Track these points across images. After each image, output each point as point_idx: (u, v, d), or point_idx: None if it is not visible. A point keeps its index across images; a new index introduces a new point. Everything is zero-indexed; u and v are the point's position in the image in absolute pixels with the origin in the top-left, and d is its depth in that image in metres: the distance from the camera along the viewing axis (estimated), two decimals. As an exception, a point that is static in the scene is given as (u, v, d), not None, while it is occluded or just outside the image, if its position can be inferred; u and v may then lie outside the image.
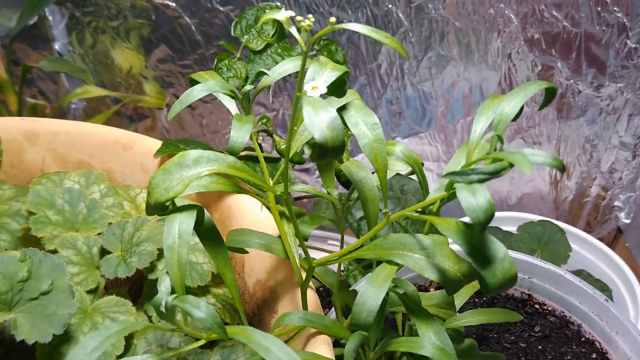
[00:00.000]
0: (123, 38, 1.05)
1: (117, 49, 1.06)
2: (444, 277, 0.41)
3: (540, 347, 0.69)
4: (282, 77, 0.77)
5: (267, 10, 0.76)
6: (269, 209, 0.52)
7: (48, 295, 0.48)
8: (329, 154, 0.35)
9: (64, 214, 0.59)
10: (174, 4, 1.00)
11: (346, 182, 0.72)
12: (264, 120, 0.75)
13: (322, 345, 0.49)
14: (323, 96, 0.39)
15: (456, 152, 0.47)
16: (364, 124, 0.44)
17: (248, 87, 0.47)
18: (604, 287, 0.84)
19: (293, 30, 0.40)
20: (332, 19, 0.37)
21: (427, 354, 0.44)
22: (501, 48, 1.01)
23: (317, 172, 1.16)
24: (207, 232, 0.43)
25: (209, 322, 0.35)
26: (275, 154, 0.79)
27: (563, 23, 0.98)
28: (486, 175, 0.36)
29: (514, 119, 0.43)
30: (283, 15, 0.38)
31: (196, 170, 0.40)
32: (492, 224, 0.46)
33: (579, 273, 0.89)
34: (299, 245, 0.49)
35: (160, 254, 0.57)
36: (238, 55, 0.76)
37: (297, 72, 0.48)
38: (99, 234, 0.59)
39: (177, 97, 1.09)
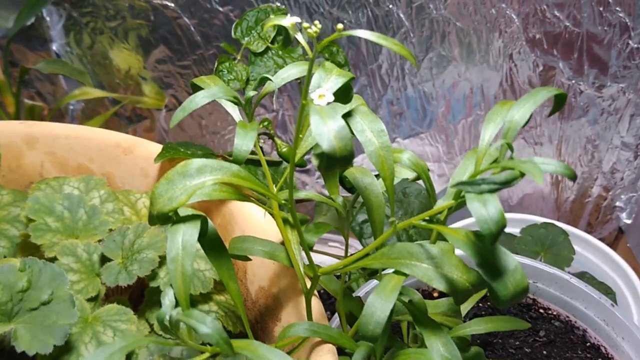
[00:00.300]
0: (121, 39, 1.04)
1: (116, 50, 1.05)
2: (453, 287, 0.41)
3: (545, 352, 0.68)
4: (278, 75, 0.77)
5: (268, 12, 0.75)
6: (272, 215, 0.51)
7: (48, 305, 0.47)
8: (337, 164, 0.35)
9: (63, 220, 0.58)
10: (172, 5, 0.99)
11: (350, 187, 0.72)
12: (265, 123, 0.74)
13: (327, 355, 0.48)
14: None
15: (463, 158, 0.47)
16: (370, 130, 0.43)
17: (251, 93, 0.46)
18: (607, 290, 0.84)
19: (296, 35, 0.39)
20: (340, 26, 0.37)
21: (435, 366, 0.43)
22: (502, 48, 1.00)
23: (317, 173, 1.15)
24: (211, 242, 0.42)
25: (215, 338, 0.34)
26: (274, 155, 0.78)
27: (565, 23, 0.97)
28: (497, 185, 0.36)
29: (523, 125, 0.42)
30: (289, 21, 0.37)
31: (200, 179, 0.39)
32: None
33: (581, 275, 0.88)
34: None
35: (162, 261, 0.56)
36: (239, 58, 0.75)
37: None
38: (99, 240, 0.58)
39: (176, 98, 1.10)
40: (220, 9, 0.99)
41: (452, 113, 1.09)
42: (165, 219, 0.38)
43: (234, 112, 0.48)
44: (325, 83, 0.42)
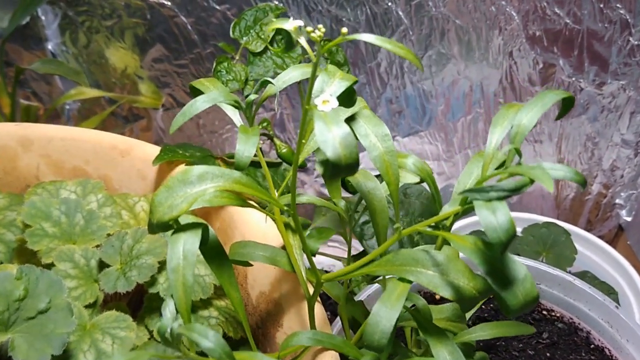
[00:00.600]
0: (117, 37, 1.03)
1: (112, 49, 1.04)
2: (459, 295, 0.40)
3: (548, 354, 0.67)
4: (276, 74, 0.75)
5: (266, 11, 0.74)
6: (273, 219, 0.50)
7: (46, 314, 0.46)
8: (342, 172, 0.34)
9: (60, 225, 0.57)
10: (169, 3, 0.98)
11: (353, 190, 0.71)
12: (265, 124, 0.73)
13: (330, 363, 0.48)
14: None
15: (468, 162, 0.46)
16: (374, 135, 0.42)
17: (252, 96, 0.45)
18: (610, 290, 0.83)
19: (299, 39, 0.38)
20: (344, 30, 0.36)
21: (442, 375, 0.42)
22: (502, 46, 1.00)
23: (316, 172, 1.14)
24: (212, 250, 0.41)
25: (218, 353, 0.33)
26: (272, 154, 0.77)
27: (565, 20, 0.96)
28: (506, 192, 0.35)
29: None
30: (292, 24, 0.36)
31: (200, 187, 0.38)
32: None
33: (583, 275, 0.88)
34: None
35: (161, 267, 0.55)
36: (237, 57, 0.74)
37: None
38: (97, 245, 0.57)
39: (173, 97, 1.09)
40: (218, 7, 0.98)
41: (452, 111, 1.08)
42: (165, 227, 0.38)
43: (235, 115, 0.47)
44: (329, 87, 0.41)
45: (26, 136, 0.69)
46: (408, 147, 1.11)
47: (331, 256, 0.76)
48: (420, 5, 0.96)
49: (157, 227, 0.37)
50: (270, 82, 0.45)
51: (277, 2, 0.93)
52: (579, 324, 0.69)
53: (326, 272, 0.99)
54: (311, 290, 0.49)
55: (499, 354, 0.67)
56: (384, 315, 0.39)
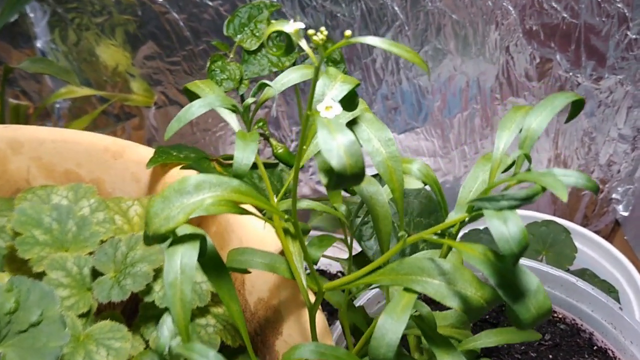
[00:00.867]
0: (108, 35, 1.01)
1: (102, 46, 1.02)
2: (467, 305, 0.39)
3: (550, 356, 0.66)
4: (273, 72, 0.74)
5: (261, 8, 0.73)
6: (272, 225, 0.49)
7: (38, 326, 0.45)
8: (347, 182, 0.32)
9: (52, 232, 0.55)
10: (160, -1, 0.96)
11: (352, 191, 0.69)
12: (260, 124, 0.72)
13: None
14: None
15: (474, 166, 0.44)
16: (377, 139, 0.41)
17: (250, 100, 0.43)
18: (610, 289, 0.82)
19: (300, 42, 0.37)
20: (348, 32, 0.34)
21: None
22: (499, 41, 0.98)
23: (311, 169, 1.13)
24: (210, 261, 0.40)
25: (221, 374, 0.32)
26: (267, 151, 0.76)
27: (562, 14, 0.95)
28: (518, 201, 0.33)
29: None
30: (292, 27, 0.35)
31: (198, 197, 0.37)
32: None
33: (582, 272, 0.87)
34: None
35: (157, 274, 0.53)
36: (231, 56, 0.73)
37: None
38: (90, 253, 0.56)
39: (166, 95, 1.07)
40: (210, 3, 0.96)
41: (448, 107, 1.07)
42: (161, 239, 0.36)
43: (232, 119, 0.45)
44: (330, 91, 0.40)
45: (16, 138, 0.67)
46: (404, 143, 1.09)
47: (328, 257, 0.75)
48: (416, 0, 0.95)
49: (153, 239, 0.36)
50: (269, 85, 0.43)
51: (271, -2, 0.91)
52: (581, 325, 0.68)
53: (322, 271, 0.98)
54: (311, 297, 0.48)
55: (501, 357, 0.66)
56: (390, 327, 0.38)
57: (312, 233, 1.03)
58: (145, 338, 0.53)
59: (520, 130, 0.39)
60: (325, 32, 0.34)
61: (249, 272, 0.50)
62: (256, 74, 0.72)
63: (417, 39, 0.98)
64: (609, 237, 1.18)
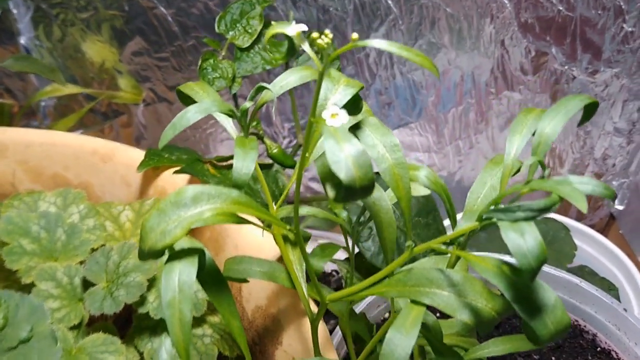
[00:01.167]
0: (94, 30, 0.98)
1: (88, 42, 0.99)
2: (478, 318, 0.37)
3: (553, 358, 0.65)
4: (265, 70, 0.72)
5: (253, 4, 0.70)
6: (271, 233, 0.47)
7: (28, 343, 0.43)
8: (356, 195, 0.30)
9: (40, 241, 0.53)
10: (148, -6, 0.93)
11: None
12: (254, 124, 0.70)
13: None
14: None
15: (481, 171, 0.43)
16: (382, 145, 0.39)
17: (247, 104, 0.41)
18: (610, 287, 0.81)
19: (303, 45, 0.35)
20: (354, 35, 0.32)
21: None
22: (494, 34, 0.97)
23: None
24: (209, 276, 0.38)
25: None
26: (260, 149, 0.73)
27: (558, 7, 0.94)
28: (535, 212, 0.32)
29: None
30: (294, 29, 0.33)
31: (196, 209, 0.35)
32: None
33: (580, 269, 0.86)
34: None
35: (151, 284, 0.51)
36: (223, 53, 0.70)
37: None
38: (81, 262, 0.53)
39: (154, 92, 1.04)
40: (199, -3, 0.94)
41: (442, 102, 1.05)
42: (157, 255, 0.34)
43: (228, 124, 0.43)
44: (333, 95, 0.38)
45: (1, 141, 0.65)
46: (398, 139, 1.08)
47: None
48: (410, -6, 0.93)
49: (149, 255, 0.34)
50: (267, 88, 0.41)
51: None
52: (584, 326, 0.67)
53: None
54: (312, 306, 0.46)
55: (504, 359, 0.65)
56: (399, 343, 0.36)
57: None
58: (139, 350, 0.51)
59: (533, 134, 0.37)
60: (331, 35, 0.32)
61: (247, 282, 0.48)
62: (249, 72, 0.69)
63: (411, 33, 0.97)
64: (603, 231, 1.18)
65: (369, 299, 0.63)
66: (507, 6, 0.94)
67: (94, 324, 0.53)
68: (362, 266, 0.69)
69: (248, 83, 1.00)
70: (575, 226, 0.96)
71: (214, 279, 0.38)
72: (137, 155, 0.64)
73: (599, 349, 0.66)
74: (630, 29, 0.94)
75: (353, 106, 0.39)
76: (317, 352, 0.46)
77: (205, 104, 0.39)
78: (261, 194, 0.65)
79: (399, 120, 1.07)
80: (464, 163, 1.10)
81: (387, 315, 0.70)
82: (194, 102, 0.45)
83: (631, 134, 1.06)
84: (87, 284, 0.52)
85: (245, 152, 0.38)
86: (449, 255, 0.43)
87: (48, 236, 0.54)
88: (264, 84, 0.41)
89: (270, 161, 0.70)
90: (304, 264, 0.45)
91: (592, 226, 1.03)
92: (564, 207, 1.16)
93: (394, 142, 0.39)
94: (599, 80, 1.00)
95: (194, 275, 0.34)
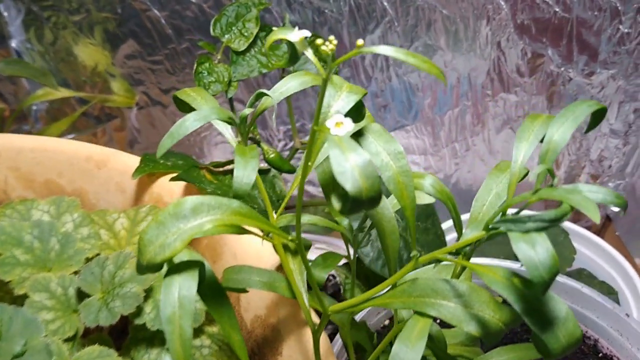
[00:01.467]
0: (86, 33, 0.97)
1: (81, 45, 0.98)
2: (485, 329, 0.36)
3: (555, 364, 0.64)
4: (261, 74, 0.71)
5: (249, 6, 0.69)
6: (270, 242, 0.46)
7: (22, 358, 0.41)
8: (363, 206, 0.30)
9: (33, 252, 0.52)
10: (141, -4, 0.92)
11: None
12: (251, 128, 0.68)
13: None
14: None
15: (487, 177, 0.42)
16: (386, 153, 0.38)
17: (247, 110, 0.40)
18: (610, 290, 0.80)
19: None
20: (360, 42, 0.31)
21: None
22: (490, 36, 0.96)
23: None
24: (210, 290, 0.37)
25: None
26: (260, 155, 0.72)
27: (554, 9, 0.93)
28: (546, 223, 0.31)
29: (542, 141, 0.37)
30: (297, 36, 0.32)
31: (196, 221, 0.34)
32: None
33: (579, 272, 0.85)
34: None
35: (147, 295, 0.50)
36: (219, 57, 0.69)
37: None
38: (75, 272, 0.52)
39: (147, 95, 1.03)
40: (193, 0, 0.92)
41: (439, 104, 1.05)
42: (156, 269, 0.33)
43: (226, 131, 0.42)
44: (336, 102, 0.37)
45: (-9, 147, 0.63)
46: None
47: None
48: (406, -5, 0.92)
49: (148, 269, 0.33)
50: (267, 94, 0.40)
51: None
52: (586, 332, 0.66)
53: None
54: (313, 317, 0.45)
55: (505, 366, 0.64)
56: (405, 356, 0.35)
57: (304, 236, 1.00)
58: (136, 362, 0.50)
59: (541, 141, 0.36)
60: (335, 42, 0.31)
61: (247, 292, 0.47)
62: (245, 75, 0.68)
63: (407, 35, 0.96)
64: (600, 233, 1.17)
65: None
66: (503, 8, 0.94)
67: (89, 335, 0.51)
68: (360, 272, 0.68)
69: (243, 86, 0.99)
70: (572, 228, 0.96)
71: (214, 291, 0.37)
72: (132, 161, 0.63)
73: (600, 354, 0.65)
74: (626, 30, 0.94)
75: (356, 113, 0.38)
76: (318, 363, 0.45)
77: (204, 111, 0.38)
78: (259, 200, 0.63)
79: (395, 123, 1.06)
80: (461, 165, 1.09)
81: (387, 322, 0.69)
82: (190, 108, 0.45)
83: (627, 135, 1.05)
84: (81, 295, 0.50)
85: (246, 161, 0.37)
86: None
87: (41, 246, 0.52)
88: (264, 91, 0.40)
89: (267, 166, 0.69)
90: (305, 273, 0.44)
91: (588, 228, 1.02)
92: (561, 208, 1.15)
93: (397, 150, 0.38)
94: (595, 82, 1.00)
95: (195, 290, 0.33)
